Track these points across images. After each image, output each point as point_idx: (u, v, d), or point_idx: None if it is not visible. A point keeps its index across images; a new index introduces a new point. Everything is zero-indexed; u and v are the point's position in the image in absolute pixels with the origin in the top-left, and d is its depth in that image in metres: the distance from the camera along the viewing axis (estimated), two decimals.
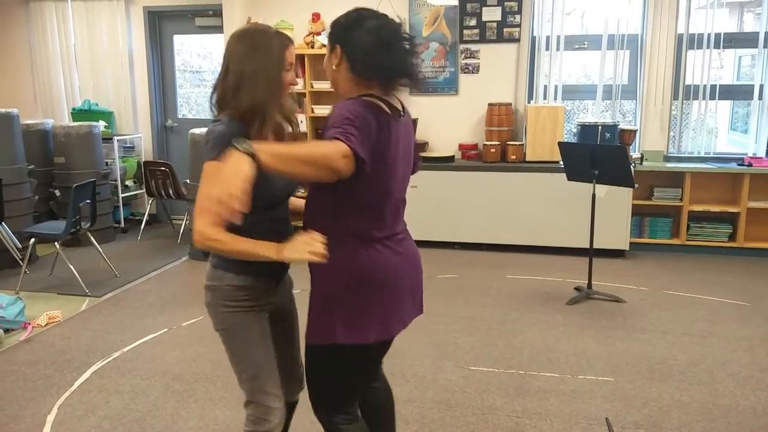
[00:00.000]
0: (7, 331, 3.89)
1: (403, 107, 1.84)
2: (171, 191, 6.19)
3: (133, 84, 6.95)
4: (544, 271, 5.18)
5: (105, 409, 3.02)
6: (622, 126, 5.71)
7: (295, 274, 2.10)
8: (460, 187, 5.71)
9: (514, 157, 5.74)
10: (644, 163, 5.68)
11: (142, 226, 6.47)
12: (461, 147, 6.08)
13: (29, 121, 6.18)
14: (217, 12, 6.46)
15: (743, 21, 6.04)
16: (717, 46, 5.69)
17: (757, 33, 5.71)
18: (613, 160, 4.31)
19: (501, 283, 4.88)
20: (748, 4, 6.07)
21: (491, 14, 5.95)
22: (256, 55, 1.81)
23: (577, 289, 4.65)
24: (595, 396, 3.11)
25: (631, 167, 4.63)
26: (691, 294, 4.62)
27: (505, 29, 5.95)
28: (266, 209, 1.86)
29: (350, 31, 1.74)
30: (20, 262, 5.01)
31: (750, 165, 5.48)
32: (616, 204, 5.34)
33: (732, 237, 5.64)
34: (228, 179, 1.46)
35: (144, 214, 6.59)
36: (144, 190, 6.62)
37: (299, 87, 6.19)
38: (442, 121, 6.14)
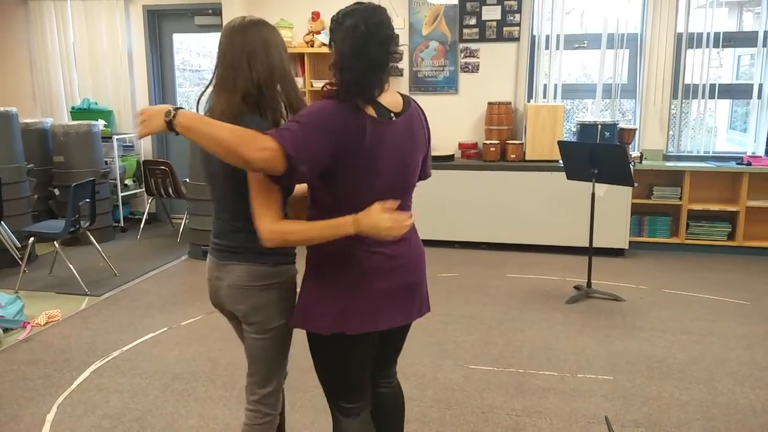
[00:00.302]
0: (6, 330, 3.89)
1: (405, 106, 1.81)
2: (170, 190, 6.19)
3: (133, 83, 6.95)
4: (544, 270, 5.18)
5: (104, 408, 3.02)
6: (622, 125, 5.71)
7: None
8: (460, 186, 5.71)
9: (513, 156, 5.74)
10: (643, 162, 5.69)
11: (142, 225, 6.46)
12: (461, 146, 6.08)
13: (28, 120, 6.17)
14: (217, 11, 6.45)
15: (742, 20, 6.04)
16: (716, 45, 5.69)
17: (756, 32, 5.71)
18: (613, 159, 4.31)
19: (501, 282, 4.88)
20: (748, 3, 6.07)
21: (491, 13, 5.95)
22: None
23: (576, 287, 4.66)
24: (595, 394, 3.11)
25: (631, 166, 4.62)
26: (690, 293, 4.62)
27: (504, 28, 5.95)
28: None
29: (334, 32, 1.74)
30: (19, 261, 5.01)
31: (749, 164, 5.48)
32: (615, 203, 5.34)
33: (731, 236, 5.64)
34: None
35: (143, 213, 6.59)
36: (143, 189, 6.62)
37: (298, 86, 6.18)
38: (441, 120, 6.12)
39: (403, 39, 6.14)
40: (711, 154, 5.85)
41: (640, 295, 4.58)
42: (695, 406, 3.00)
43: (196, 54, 7.38)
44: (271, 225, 1.68)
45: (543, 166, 5.58)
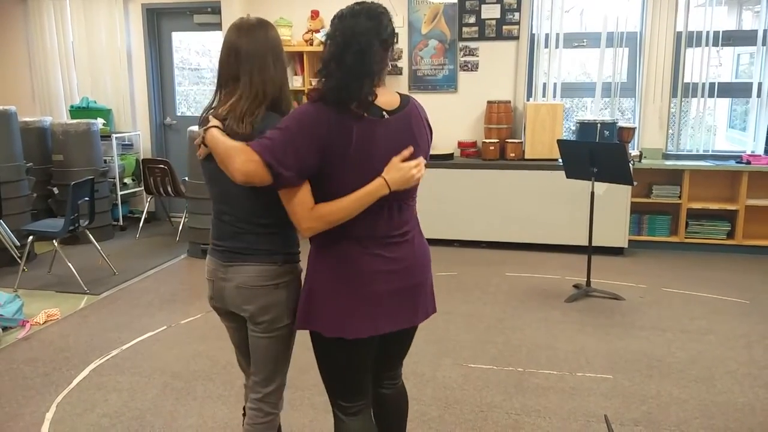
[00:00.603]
0: (5, 329, 3.89)
1: (402, 105, 1.81)
2: (170, 189, 6.18)
3: (132, 81, 6.94)
4: (543, 268, 5.18)
5: (104, 407, 3.01)
6: (621, 124, 5.71)
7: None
8: (459, 184, 5.71)
9: (513, 154, 5.74)
10: (643, 160, 5.69)
11: (141, 224, 6.46)
12: (460, 145, 6.08)
13: (27, 119, 6.16)
14: (216, 9, 6.45)
15: (742, 19, 6.04)
16: (716, 43, 5.69)
17: (756, 31, 5.71)
18: (612, 158, 4.31)
19: (500, 281, 4.88)
20: (747, 1, 6.07)
21: (490, 12, 5.94)
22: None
23: (576, 286, 4.66)
24: (594, 393, 3.12)
25: (630, 165, 4.63)
26: (689, 291, 4.62)
27: (504, 27, 5.95)
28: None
29: (328, 35, 1.76)
30: (18, 259, 5.01)
31: (748, 163, 5.48)
32: (614, 202, 5.34)
33: (730, 234, 5.64)
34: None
35: (143, 212, 6.58)
36: (142, 188, 6.61)
37: (298, 84, 6.19)
38: (441, 118, 6.11)
39: (403, 37, 6.14)
40: (710, 153, 5.85)
41: (640, 293, 4.58)
42: (694, 405, 3.00)
43: (195, 52, 7.37)
44: (308, 215, 1.72)
45: (542, 164, 5.58)
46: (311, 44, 6.11)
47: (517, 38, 5.95)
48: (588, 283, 4.53)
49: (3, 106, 5.44)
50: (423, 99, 6.55)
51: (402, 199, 1.83)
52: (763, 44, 5.66)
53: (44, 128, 6.23)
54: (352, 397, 1.95)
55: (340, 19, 1.72)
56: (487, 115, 5.91)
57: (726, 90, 6.01)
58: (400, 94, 1.84)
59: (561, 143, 4.69)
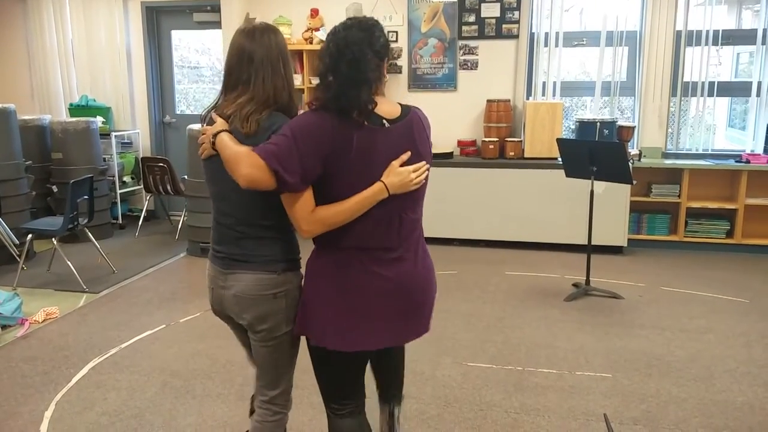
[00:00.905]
0: (4, 327, 3.89)
1: (403, 115, 1.82)
2: (169, 187, 6.18)
3: (131, 80, 6.93)
4: (543, 267, 5.18)
5: (103, 406, 3.01)
6: (621, 123, 5.71)
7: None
8: (459, 183, 5.71)
9: (512, 153, 5.74)
10: (642, 159, 5.69)
11: (140, 223, 6.46)
12: (460, 143, 6.08)
13: (26, 117, 6.15)
14: (215, 7, 6.44)
15: (741, 18, 6.03)
16: (715, 42, 5.69)
17: (756, 30, 5.71)
18: (612, 157, 4.31)
19: (499, 280, 4.88)
20: (747, 1, 6.06)
21: (490, 10, 5.94)
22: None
23: (575, 285, 4.66)
24: (593, 392, 3.12)
25: (630, 164, 4.63)
26: (688, 290, 4.62)
27: (503, 26, 5.95)
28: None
29: (323, 50, 1.81)
30: (17, 258, 5.00)
31: (748, 162, 5.48)
32: (614, 201, 5.34)
33: (730, 233, 5.64)
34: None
35: (142, 210, 6.58)
36: (142, 186, 6.61)
37: (297, 83, 6.19)
38: (440, 117, 6.12)
39: (402, 36, 6.14)
40: (710, 152, 5.85)
41: (639, 292, 4.58)
42: (693, 404, 3.00)
43: (195, 51, 7.36)
44: (308, 217, 1.75)
45: (542, 163, 5.58)
46: (311, 42, 6.10)
47: (516, 37, 5.94)
48: (587, 282, 4.53)
49: (2, 104, 5.44)
50: (422, 98, 6.53)
51: (403, 209, 1.82)
52: (763, 43, 5.66)
53: (43, 126, 6.22)
54: (341, 401, 1.98)
55: (333, 33, 1.77)
56: (487, 114, 5.91)
57: (725, 89, 6.00)
58: (401, 105, 1.86)
59: (560, 142, 4.69)
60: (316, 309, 1.86)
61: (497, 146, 5.78)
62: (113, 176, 6.47)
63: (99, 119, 6.41)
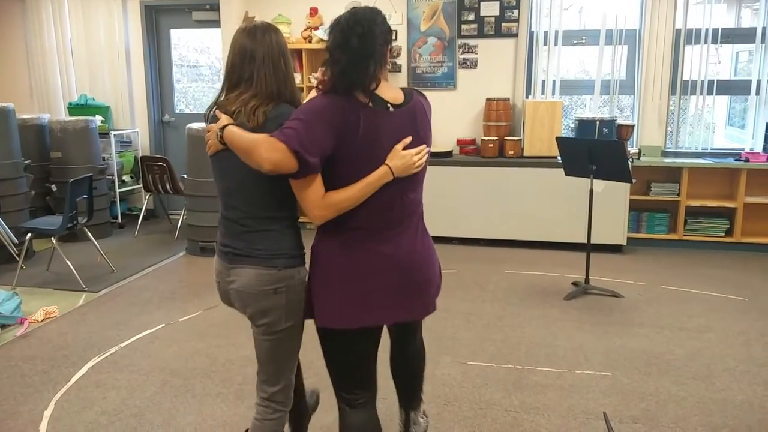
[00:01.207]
0: (3, 326, 3.89)
1: (407, 100, 1.91)
2: (168, 186, 6.18)
3: (130, 79, 6.92)
4: (542, 266, 5.18)
5: (102, 405, 3.01)
6: (620, 121, 5.71)
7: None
8: (458, 182, 5.71)
9: (512, 152, 5.74)
10: (642, 158, 5.69)
11: (139, 222, 6.45)
12: (459, 142, 6.07)
13: (25, 116, 6.15)
14: (214, 6, 6.44)
15: (741, 16, 6.03)
16: (714, 41, 5.69)
17: (755, 28, 5.71)
18: (611, 156, 4.30)
19: (499, 278, 4.88)
20: None
21: (489, 9, 5.94)
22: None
23: (574, 284, 4.66)
24: (593, 391, 3.12)
25: (629, 162, 4.63)
26: (688, 289, 4.63)
27: (503, 24, 5.94)
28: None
29: (331, 28, 1.87)
30: (17, 257, 5.00)
31: (747, 160, 5.49)
32: (613, 199, 5.34)
33: (729, 232, 5.64)
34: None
35: (141, 210, 6.58)
36: (141, 185, 6.60)
37: (297, 81, 6.17)
38: (439, 116, 6.10)
39: (402, 35, 6.13)
40: (709, 151, 5.85)
41: (638, 291, 4.58)
42: (693, 402, 3.01)
43: (194, 50, 7.35)
44: (319, 202, 1.81)
45: (541, 162, 5.58)
46: (310, 41, 6.10)
47: (516, 35, 5.94)
48: (587, 280, 4.53)
49: (1, 103, 5.43)
50: None
51: (404, 190, 1.89)
52: (762, 42, 5.66)
53: (42, 125, 6.22)
54: (352, 388, 1.99)
55: (338, 19, 1.84)
56: (486, 113, 5.91)
57: (725, 87, 6.00)
58: (404, 90, 1.94)
59: (560, 141, 4.68)
60: (320, 290, 1.91)
61: (496, 145, 5.78)
62: (112, 175, 6.46)
63: (98, 118, 6.40)
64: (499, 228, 5.72)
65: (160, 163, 6.13)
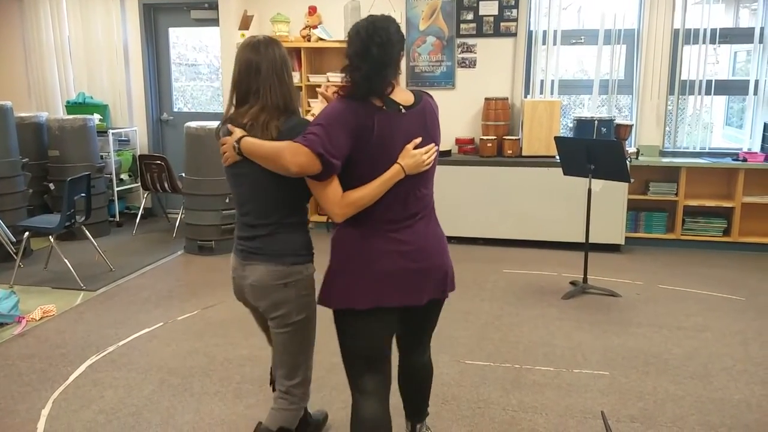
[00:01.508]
0: (1, 325, 3.88)
1: (417, 101, 2.03)
2: (166, 185, 6.17)
3: (128, 77, 6.91)
4: (540, 265, 5.18)
5: (100, 403, 3.01)
6: (618, 121, 5.71)
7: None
8: (457, 181, 5.71)
9: (510, 151, 5.74)
10: (640, 157, 5.69)
11: (137, 220, 6.44)
12: (458, 141, 6.07)
13: (23, 114, 6.14)
14: (213, 5, 6.43)
15: (739, 16, 6.03)
16: (713, 41, 5.69)
17: (753, 28, 5.72)
18: (609, 155, 4.31)
19: (497, 278, 4.89)
20: None
21: (488, 8, 5.94)
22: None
23: (572, 283, 4.66)
24: (591, 390, 3.12)
25: (627, 162, 4.63)
26: (686, 288, 4.63)
27: (502, 23, 5.94)
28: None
29: (347, 44, 1.98)
30: (14, 255, 4.99)
31: (745, 160, 5.49)
32: (611, 199, 5.35)
33: (727, 232, 5.65)
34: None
35: (139, 208, 6.57)
36: (139, 184, 6.59)
37: (295, 80, 6.17)
38: (439, 115, 6.12)
39: None
40: (707, 150, 5.85)
41: (636, 290, 4.59)
42: (690, 402, 3.01)
43: (193, 48, 7.34)
44: (339, 201, 1.94)
45: (540, 161, 5.58)
46: (308, 40, 6.09)
47: (514, 35, 5.94)
48: (585, 280, 4.54)
49: None
50: None
51: (417, 186, 2.04)
52: (760, 42, 5.67)
53: (40, 124, 6.21)
54: (364, 373, 2.08)
55: (356, 28, 1.94)
56: (485, 112, 5.91)
57: (723, 87, 6.01)
58: (414, 92, 2.07)
59: (558, 140, 4.69)
60: (340, 274, 2.03)
61: (495, 144, 5.78)
62: (110, 174, 6.45)
63: (96, 116, 6.39)
64: (497, 227, 5.73)
65: (159, 162, 6.13)
